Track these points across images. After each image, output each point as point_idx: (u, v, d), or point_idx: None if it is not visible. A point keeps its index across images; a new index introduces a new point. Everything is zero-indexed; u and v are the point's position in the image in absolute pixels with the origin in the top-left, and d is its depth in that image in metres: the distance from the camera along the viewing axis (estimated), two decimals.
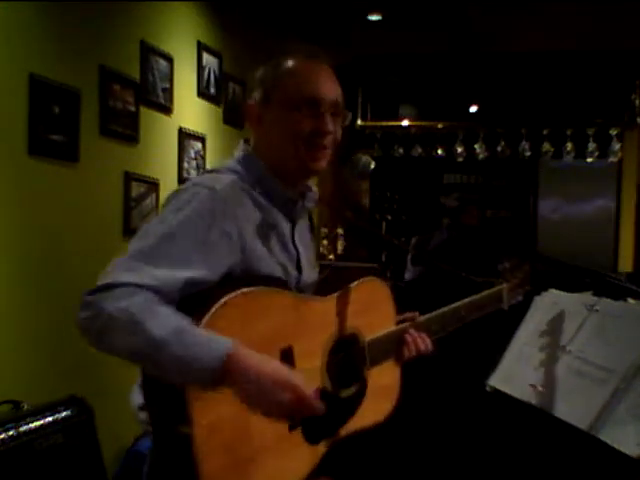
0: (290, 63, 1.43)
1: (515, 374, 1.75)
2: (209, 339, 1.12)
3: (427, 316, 1.64)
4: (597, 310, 1.65)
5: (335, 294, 1.43)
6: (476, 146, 5.77)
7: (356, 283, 1.48)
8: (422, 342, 1.58)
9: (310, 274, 1.51)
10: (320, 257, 5.95)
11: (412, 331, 1.58)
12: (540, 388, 1.61)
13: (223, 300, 1.16)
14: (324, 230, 6.12)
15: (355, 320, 1.45)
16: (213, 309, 1.15)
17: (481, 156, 5.79)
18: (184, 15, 3.84)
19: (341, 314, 1.42)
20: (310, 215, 1.59)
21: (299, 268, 1.45)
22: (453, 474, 2.68)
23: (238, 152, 1.47)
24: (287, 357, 1.27)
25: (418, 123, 6.01)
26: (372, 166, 1.57)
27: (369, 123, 6.02)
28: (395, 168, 6.03)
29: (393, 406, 1.57)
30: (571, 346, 1.64)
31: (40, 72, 2.69)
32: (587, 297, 1.73)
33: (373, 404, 1.50)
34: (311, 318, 1.35)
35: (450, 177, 6.23)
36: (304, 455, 1.32)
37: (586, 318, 1.66)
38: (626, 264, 5.64)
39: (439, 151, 5.90)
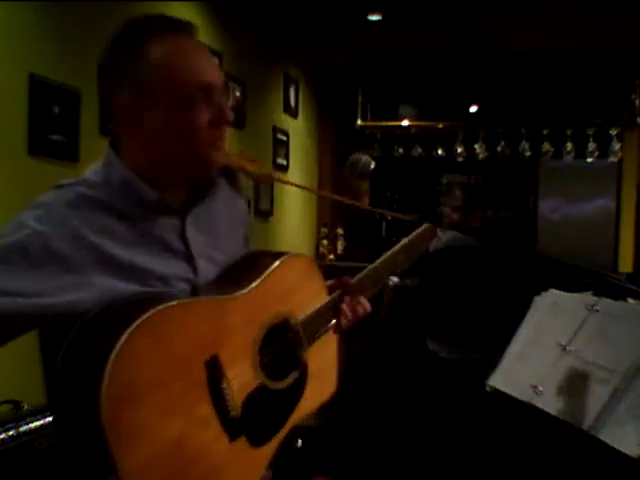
0: (164, 47, 1.22)
1: (515, 374, 1.75)
2: None
3: (358, 276, 1.51)
4: (597, 310, 1.65)
5: (254, 283, 1.28)
6: (476, 146, 5.78)
7: (275, 265, 1.33)
8: (359, 305, 1.47)
9: (216, 262, 1.36)
10: (320, 257, 5.96)
11: (346, 297, 1.46)
12: (540, 388, 1.61)
13: (123, 338, 1.02)
14: (324, 230, 6.13)
15: (283, 304, 1.33)
16: (115, 350, 1.01)
17: (481, 156, 5.79)
18: (184, 15, 3.84)
19: (265, 303, 1.29)
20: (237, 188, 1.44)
21: (191, 263, 1.30)
22: (453, 474, 2.68)
23: (103, 157, 1.33)
24: (213, 368, 1.15)
25: (418, 123, 6.01)
26: (372, 166, 1.56)
27: (369, 123, 6.03)
28: (395, 168, 6.04)
29: (336, 382, 1.47)
30: (571, 346, 1.64)
31: (40, 72, 2.69)
32: (587, 297, 1.73)
33: (317, 385, 1.41)
34: (232, 318, 1.22)
35: (450, 177, 6.23)
36: (254, 460, 1.25)
37: (586, 318, 1.66)
38: (626, 264, 5.65)
39: (439, 151, 5.91)
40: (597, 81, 5.47)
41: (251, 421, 1.22)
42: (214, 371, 1.16)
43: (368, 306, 1.49)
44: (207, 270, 1.32)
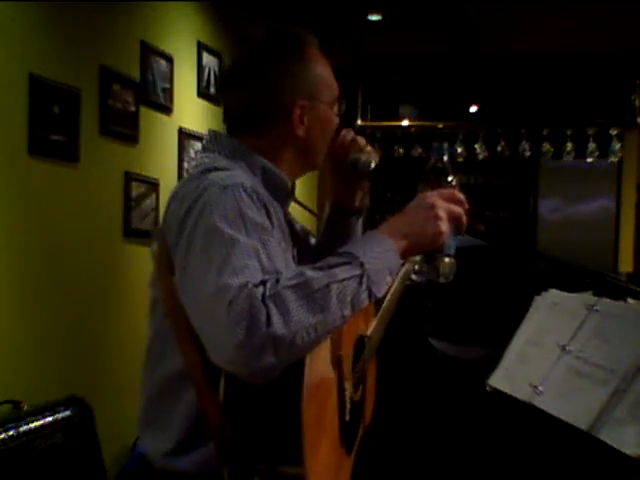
0: (318, 57, 1.37)
1: (515, 374, 1.75)
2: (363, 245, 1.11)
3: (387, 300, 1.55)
4: (597, 310, 1.65)
5: None
6: (476, 146, 5.77)
7: None
8: None
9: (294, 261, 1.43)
10: None
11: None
12: (540, 388, 1.61)
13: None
14: None
15: (359, 320, 1.39)
16: None
17: (481, 156, 5.78)
18: (184, 15, 3.84)
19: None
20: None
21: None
22: (453, 474, 2.67)
23: (223, 147, 1.34)
24: (340, 369, 1.19)
25: (418, 123, 6.01)
26: (372, 166, 1.56)
27: (369, 123, 6.02)
28: (395, 168, 6.03)
29: (372, 408, 1.51)
30: (571, 346, 1.63)
31: (40, 72, 2.69)
32: (587, 297, 1.73)
33: (368, 407, 1.45)
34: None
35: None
36: (348, 468, 1.27)
37: (586, 318, 1.65)
38: (626, 264, 5.64)
39: None
40: (597, 81, 5.47)
41: (350, 429, 1.24)
42: (339, 368, 1.18)
43: None
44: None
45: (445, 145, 1.32)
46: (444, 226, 1.14)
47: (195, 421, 1.16)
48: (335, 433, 1.16)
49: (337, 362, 1.18)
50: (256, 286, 0.99)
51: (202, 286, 1.04)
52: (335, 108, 1.39)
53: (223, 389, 1.05)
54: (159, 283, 1.22)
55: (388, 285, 1.10)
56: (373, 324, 1.47)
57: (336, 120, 1.40)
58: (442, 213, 1.14)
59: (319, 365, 1.07)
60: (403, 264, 1.76)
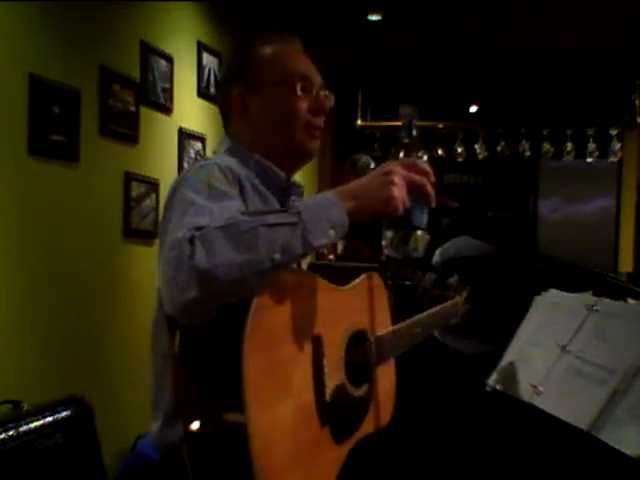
0: (272, 47, 1.42)
1: (515, 374, 1.75)
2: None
3: (415, 319, 1.61)
4: (597, 310, 1.65)
5: (347, 287, 1.36)
6: (476, 146, 5.77)
7: (362, 278, 1.42)
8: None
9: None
10: (320, 257, 5.95)
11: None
12: (540, 388, 1.61)
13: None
14: None
15: (362, 315, 1.40)
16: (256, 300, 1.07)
17: (481, 156, 5.78)
18: (184, 15, 3.84)
19: (353, 308, 1.37)
20: None
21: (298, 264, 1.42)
22: (453, 474, 2.67)
23: (223, 146, 1.43)
24: (318, 345, 1.20)
25: (418, 123, 6.00)
26: (372, 166, 1.56)
27: (369, 123, 6.02)
28: None
29: (392, 411, 1.51)
30: (571, 346, 1.63)
31: (40, 72, 2.69)
32: (587, 297, 1.73)
33: (377, 408, 1.44)
34: (334, 307, 1.28)
35: (450, 177, 6.22)
36: (333, 455, 1.25)
37: (586, 318, 1.65)
38: (626, 264, 5.64)
39: (439, 151, 5.90)
40: (597, 81, 5.47)
41: (335, 414, 1.22)
42: (317, 347, 1.19)
43: None
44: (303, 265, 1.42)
45: (414, 121, 1.34)
46: (397, 191, 1.13)
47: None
48: (308, 406, 1.16)
49: (315, 339, 1.19)
50: (191, 231, 1.04)
51: (162, 244, 1.15)
52: (297, 86, 1.38)
53: (178, 341, 1.08)
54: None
55: (332, 239, 1.10)
56: (388, 328, 1.49)
57: (294, 98, 1.38)
58: (398, 179, 1.14)
59: (271, 324, 1.08)
60: (445, 299, 1.82)
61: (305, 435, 1.15)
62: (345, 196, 1.13)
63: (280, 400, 1.10)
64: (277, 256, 1.03)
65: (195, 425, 1.06)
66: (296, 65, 1.40)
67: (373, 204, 1.13)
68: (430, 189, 1.20)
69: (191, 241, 1.01)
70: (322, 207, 1.10)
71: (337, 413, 1.24)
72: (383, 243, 1.28)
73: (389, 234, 1.25)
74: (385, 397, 1.48)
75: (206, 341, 1.08)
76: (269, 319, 1.08)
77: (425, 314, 1.69)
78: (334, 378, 1.24)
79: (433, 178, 1.21)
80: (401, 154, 1.28)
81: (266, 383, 1.06)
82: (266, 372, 1.07)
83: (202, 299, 1.00)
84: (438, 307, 1.78)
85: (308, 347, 1.17)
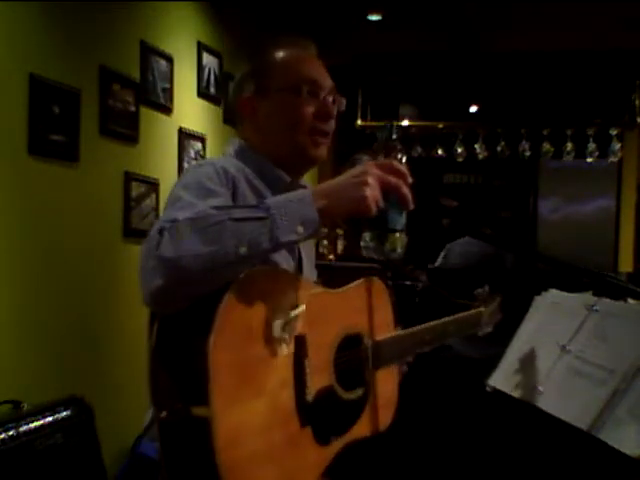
0: (283, 52, 1.43)
1: (515, 374, 1.75)
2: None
3: (423, 327, 1.60)
4: (597, 310, 1.65)
5: (341, 290, 1.36)
6: (476, 146, 5.77)
7: (359, 281, 1.43)
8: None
9: (311, 274, 1.49)
10: (320, 257, 5.96)
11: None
12: (540, 388, 1.61)
13: (243, 274, 1.10)
14: (324, 230, 6.12)
15: (358, 319, 1.40)
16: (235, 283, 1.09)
17: (481, 156, 5.78)
18: (184, 15, 3.84)
19: (347, 311, 1.37)
20: None
21: (300, 267, 1.42)
22: (453, 474, 2.67)
23: (232, 147, 1.45)
24: (300, 345, 1.20)
25: (418, 123, 6.01)
26: None
27: (369, 123, 6.02)
28: None
29: (392, 416, 1.50)
30: (571, 346, 1.63)
31: (40, 72, 2.69)
32: (587, 297, 1.73)
33: (374, 412, 1.43)
34: (322, 309, 1.28)
35: (450, 177, 6.23)
36: (315, 456, 1.25)
37: (586, 318, 1.65)
38: (626, 264, 5.64)
39: (439, 151, 5.90)
40: (597, 81, 5.47)
41: (318, 416, 1.23)
42: (300, 347, 1.19)
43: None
44: (305, 266, 1.43)
45: (394, 124, 1.35)
46: (369, 191, 1.13)
47: None
48: (285, 405, 1.16)
49: (298, 338, 1.19)
50: (164, 223, 1.06)
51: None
52: (304, 90, 1.39)
53: (155, 333, 1.10)
54: None
55: (300, 235, 1.11)
56: (389, 334, 1.48)
57: (299, 103, 1.39)
58: (371, 180, 1.14)
59: (244, 321, 1.09)
60: (469, 308, 1.82)
61: (281, 434, 1.16)
62: (317, 195, 1.14)
63: (251, 397, 1.10)
64: (243, 250, 1.05)
65: (164, 414, 1.08)
66: (304, 70, 1.41)
67: (344, 203, 1.14)
68: (406, 191, 1.20)
69: (160, 232, 1.04)
70: (292, 203, 1.11)
71: (321, 414, 1.24)
72: (361, 244, 1.28)
73: (366, 235, 1.26)
74: (384, 402, 1.47)
75: (178, 334, 1.10)
76: (241, 316, 1.09)
77: (439, 322, 1.67)
78: (319, 379, 1.24)
79: (410, 180, 1.21)
80: (380, 157, 1.28)
81: (234, 379, 1.07)
82: (235, 368, 1.07)
83: (168, 288, 1.03)
84: (456, 316, 1.75)
85: (290, 347, 1.17)
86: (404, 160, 1.28)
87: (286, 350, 1.17)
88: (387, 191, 1.17)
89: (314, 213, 1.12)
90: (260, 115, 1.41)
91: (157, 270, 1.02)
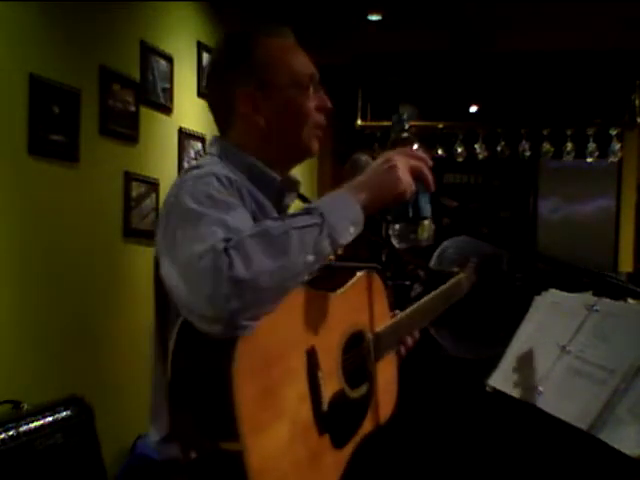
0: (277, 43, 1.37)
1: (515, 374, 1.75)
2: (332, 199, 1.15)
3: (415, 307, 1.62)
4: (597, 310, 1.64)
5: (340, 291, 1.35)
6: (476, 146, 5.77)
7: (356, 278, 1.42)
8: (411, 338, 1.58)
9: None
10: None
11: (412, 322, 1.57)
12: (540, 388, 1.61)
13: None
14: None
15: (359, 316, 1.40)
16: None
17: (481, 156, 5.78)
18: (184, 15, 3.84)
19: (348, 311, 1.36)
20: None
21: None
22: (453, 474, 2.67)
23: (214, 149, 1.38)
24: (312, 358, 1.19)
25: (418, 123, 6.01)
26: None
27: (369, 123, 6.02)
28: None
29: (393, 406, 1.51)
30: (571, 346, 1.63)
31: (40, 72, 2.69)
32: (587, 297, 1.73)
33: (378, 404, 1.44)
34: (326, 314, 1.27)
35: (450, 177, 6.22)
36: (334, 461, 1.25)
37: (586, 318, 1.65)
38: (626, 264, 5.64)
39: (439, 151, 5.90)
40: (597, 81, 5.47)
41: (334, 421, 1.23)
42: (312, 361, 1.19)
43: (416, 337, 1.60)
44: None
45: (405, 116, 1.36)
46: (402, 174, 1.16)
47: None
48: (304, 419, 1.16)
49: (309, 352, 1.18)
50: (220, 242, 1.02)
51: (176, 258, 1.08)
52: (310, 86, 1.36)
53: (170, 368, 1.08)
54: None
55: (352, 235, 1.13)
56: (386, 323, 1.48)
57: (306, 98, 1.35)
58: (400, 164, 1.17)
59: (262, 346, 1.08)
60: (451, 275, 1.83)
61: (303, 448, 1.15)
62: (356, 191, 1.16)
63: (275, 420, 1.09)
64: (310, 257, 1.05)
65: (192, 454, 1.07)
66: (305, 63, 1.38)
67: (384, 192, 1.17)
68: (428, 172, 1.23)
69: (226, 252, 1.00)
70: (339, 205, 1.13)
71: (336, 420, 1.24)
72: (391, 234, 1.30)
73: (398, 226, 1.27)
74: (385, 391, 1.48)
75: (195, 366, 1.08)
76: (258, 341, 1.06)
77: (427, 298, 1.68)
78: (331, 386, 1.24)
79: (430, 163, 1.24)
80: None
81: (260, 407, 1.06)
82: (259, 396, 1.06)
83: (245, 309, 1.00)
84: (441, 288, 1.77)
85: (302, 361, 1.17)
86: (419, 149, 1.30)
87: (301, 365, 1.16)
88: (412, 175, 1.21)
89: (359, 212, 1.14)
90: (264, 112, 1.33)
91: (233, 293, 0.98)
